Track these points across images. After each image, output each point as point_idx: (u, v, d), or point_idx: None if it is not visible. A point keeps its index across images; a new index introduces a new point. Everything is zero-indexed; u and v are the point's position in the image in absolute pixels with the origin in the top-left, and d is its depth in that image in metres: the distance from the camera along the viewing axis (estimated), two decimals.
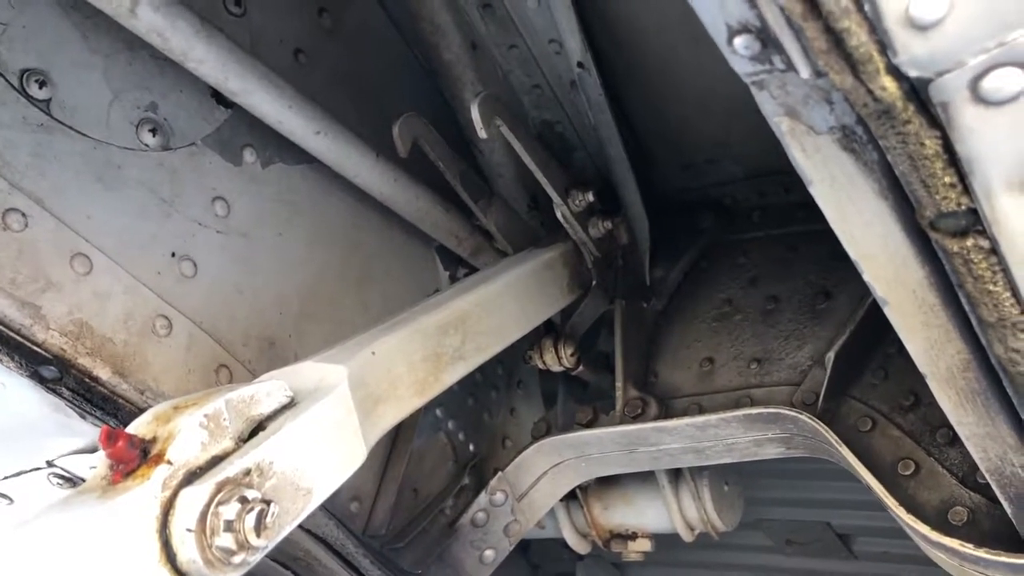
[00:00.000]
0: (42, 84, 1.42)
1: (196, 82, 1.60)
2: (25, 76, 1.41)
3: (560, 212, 1.94)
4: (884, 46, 0.74)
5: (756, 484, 3.18)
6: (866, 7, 0.71)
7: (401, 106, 1.87)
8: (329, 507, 1.78)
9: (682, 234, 2.27)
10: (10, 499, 1.59)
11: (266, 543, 1.06)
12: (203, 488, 1.02)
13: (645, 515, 2.46)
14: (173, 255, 1.57)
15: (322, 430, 1.20)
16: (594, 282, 2.03)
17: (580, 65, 1.89)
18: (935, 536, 1.47)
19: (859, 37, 0.73)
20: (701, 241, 2.25)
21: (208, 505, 1.02)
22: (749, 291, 2.10)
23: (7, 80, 1.39)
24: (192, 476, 1.05)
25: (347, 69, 1.96)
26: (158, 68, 1.59)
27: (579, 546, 2.57)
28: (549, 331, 2.07)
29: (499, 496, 2.13)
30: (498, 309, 1.69)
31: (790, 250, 2.11)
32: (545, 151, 1.95)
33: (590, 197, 1.97)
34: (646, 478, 2.43)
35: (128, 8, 1.39)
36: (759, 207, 2.24)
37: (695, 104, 2.12)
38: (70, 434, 1.45)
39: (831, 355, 1.74)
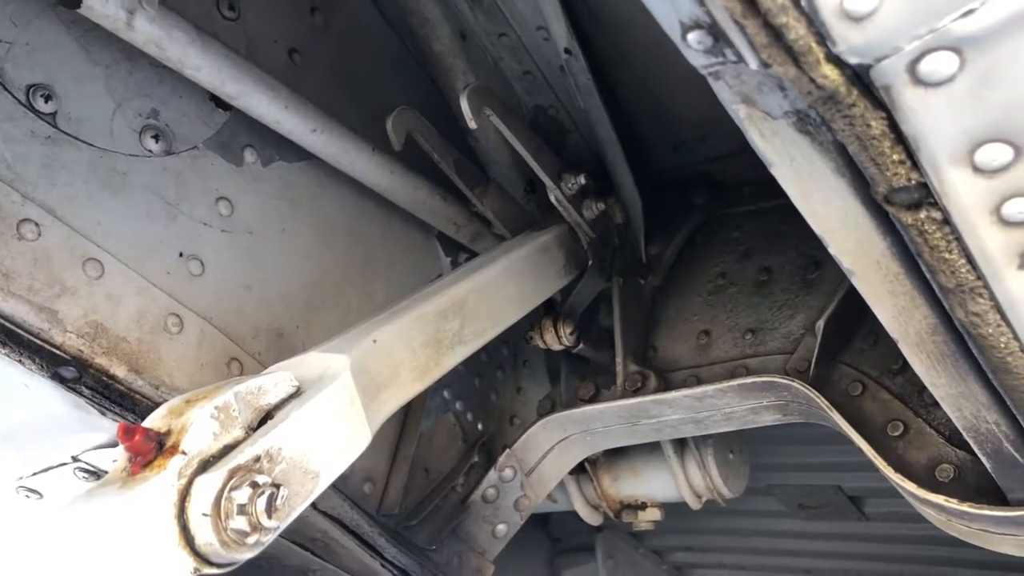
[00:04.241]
0: (48, 98, 1.49)
1: (195, 87, 1.65)
2: (31, 91, 1.47)
3: (553, 196, 2.00)
4: (823, 37, 0.79)
5: (766, 451, 3.24)
6: (802, 2, 0.76)
7: (396, 99, 1.93)
8: (343, 489, 1.85)
9: (676, 210, 2.32)
10: (40, 494, 1.67)
11: (277, 524, 1.13)
12: (216, 475, 1.09)
13: (653, 485, 2.52)
14: (181, 255, 1.64)
15: (327, 417, 1.27)
16: (590, 262, 2.09)
17: (567, 51, 1.94)
18: (922, 493, 1.53)
19: (797, 31, 0.78)
20: (695, 217, 2.30)
21: (221, 491, 1.09)
22: (743, 264, 2.16)
23: (14, 96, 1.45)
24: (206, 464, 1.12)
25: (341, 65, 2.02)
26: (157, 76, 1.65)
27: (591, 518, 2.64)
28: (548, 311, 2.12)
29: (508, 472, 2.20)
30: (495, 293, 1.75)
31: (781, 222, 2.16)
32: (537, 137, 2.00)
33: (582, 180, 2.02)
34: (653, 449, 2.49)
35: (125, 21, 1.45)
36: (750, 181, 2.28)
37: (683, 82, 2.15)
38: (92, 429, 1.52)
39: (820, 323, 1.79)
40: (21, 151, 1.45)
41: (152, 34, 1.49)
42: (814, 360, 1.81)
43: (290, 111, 1.71)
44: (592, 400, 2.12)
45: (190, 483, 1.09)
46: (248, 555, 1.12)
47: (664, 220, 2.29)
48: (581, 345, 2.14)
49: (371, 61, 2.10)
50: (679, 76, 2.22)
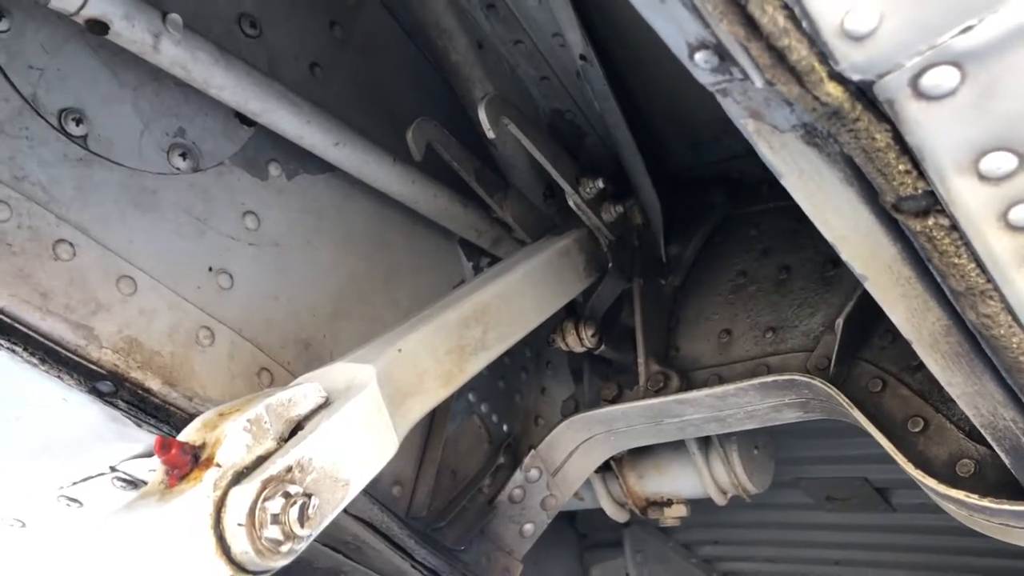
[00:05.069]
0: (79, 121, 1.54)
1: (219, 105, 1.70)
2: (63, 115, 1.52)
3: (572, 201, 2.02)
4: (825, 56, 0.81)
5: (793, 444, 3.24)
6: (804, 25, 0.79)
7: (415, 108, 1.96)
8: (373, 493, 1.89)
9: (695, 210, 2.33)
10: (80, 502, 1.73)
11: (310, 532, 1.17)
12: (250, 487, 1.13)
13: (678, 482, 2.55)
14: (210, 269, 1.69)
15: (355, 426, 1.31)
16: (610, 264, 2.11)
17: (583, 58, 1.96)
18: (942, 489, 1.54)
19: (799, 52, 0.80)
20: (714, 216, 2.31)
21: (255, 501, 1.13)
22: (762, 262, 2.17)
23: (47, 121, 1.50)
24: (240, 476, 1.16)
25: (362, 78, 2.06)
26: (183, 95, 1.69)
27: (617, 515, 2.67)
28: (570, 314, 2.15)
29: (534, 473, 2.23)
30: (517, 299, 1.78)
31: (799, 220, 2.15)
32: (555, 143, 2.02)
33: (600, 184, 2.04)
34: (677, 446, 2.51)
35: (151, 45, 1.49)
36: (767, 180, 2.29)
37: (697, 83, 2.17)
38: (129, 440, 1.57)
39: (840, 321, 1.80)
40: (55, 174, 1.50)
41: (177, 56, 1.53)
42: (834, 357, 1.82)
43: (313, 125, 1.75)
44: (615, 400, 2.15)
45: (225, 494, 1.13)
46: (282, 562, 1.16)
47: (683, 220, 2.31)
48: (603, 346, 2.17)
49: (390, 72, 2.13)
50: (692, 77, 2.24)
